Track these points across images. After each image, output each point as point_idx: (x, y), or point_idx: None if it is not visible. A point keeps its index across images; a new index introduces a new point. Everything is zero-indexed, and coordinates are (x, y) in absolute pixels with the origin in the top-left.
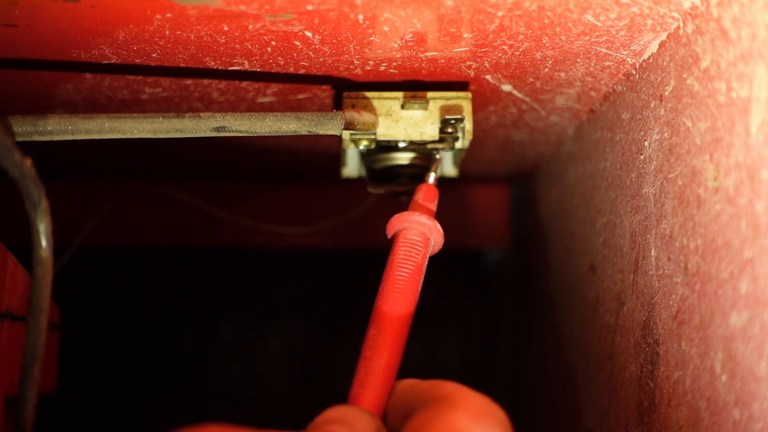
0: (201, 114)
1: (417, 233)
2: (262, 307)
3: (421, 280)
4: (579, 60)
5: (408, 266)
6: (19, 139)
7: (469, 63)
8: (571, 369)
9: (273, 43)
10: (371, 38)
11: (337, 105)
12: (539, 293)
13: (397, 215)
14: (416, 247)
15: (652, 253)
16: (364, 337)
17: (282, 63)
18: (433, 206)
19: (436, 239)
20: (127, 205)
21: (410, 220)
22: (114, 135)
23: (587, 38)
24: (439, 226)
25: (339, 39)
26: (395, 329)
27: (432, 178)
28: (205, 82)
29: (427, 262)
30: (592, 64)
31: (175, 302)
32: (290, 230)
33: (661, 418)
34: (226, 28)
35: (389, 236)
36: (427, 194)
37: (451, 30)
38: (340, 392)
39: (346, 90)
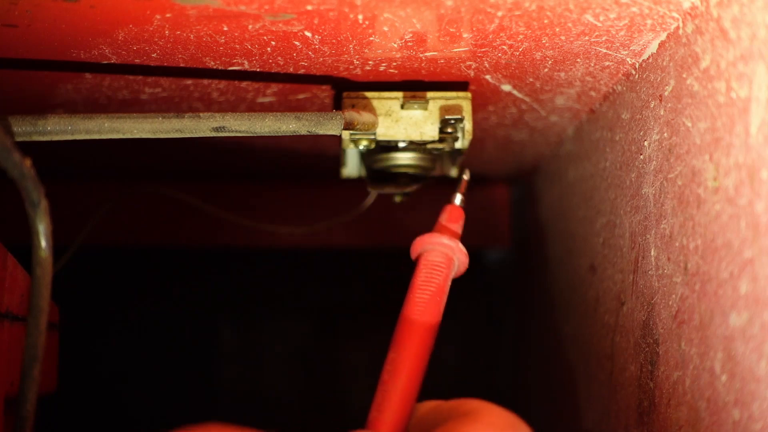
0: (201, 114)
1: (439, 254)
2: (262, 307)
3: (443, 303)
4: (579, 60)
5: (429, 289)
6: (19, 139)
7: (468, 63)
8: (571, 369)
9: (273, 43)
10: (371, 38)
11: (337, 105)
12: (539, 293)
13: (419, 237)
14: (438, 269)
15: (652, 253)
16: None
17: (282, 63)
18: (458, 227)
19: (460, 260)
20: (127, 205)
21: (432, 242)
22: (114, 135)
23: (587, 38)
24: (462, 247)
25: (339, 39)
26: (414, 353)
27: (458, 199)
28: (205, 82)
29: (449, 285)
30: (592, 64)
31: (175, 302)
32: (290, 230)
33: (660, 418)
34: (225, 28)
35: (413, 258)
36: (451, 215)
37: (451, 30)
38: (339, 392)
39: (345, 90)
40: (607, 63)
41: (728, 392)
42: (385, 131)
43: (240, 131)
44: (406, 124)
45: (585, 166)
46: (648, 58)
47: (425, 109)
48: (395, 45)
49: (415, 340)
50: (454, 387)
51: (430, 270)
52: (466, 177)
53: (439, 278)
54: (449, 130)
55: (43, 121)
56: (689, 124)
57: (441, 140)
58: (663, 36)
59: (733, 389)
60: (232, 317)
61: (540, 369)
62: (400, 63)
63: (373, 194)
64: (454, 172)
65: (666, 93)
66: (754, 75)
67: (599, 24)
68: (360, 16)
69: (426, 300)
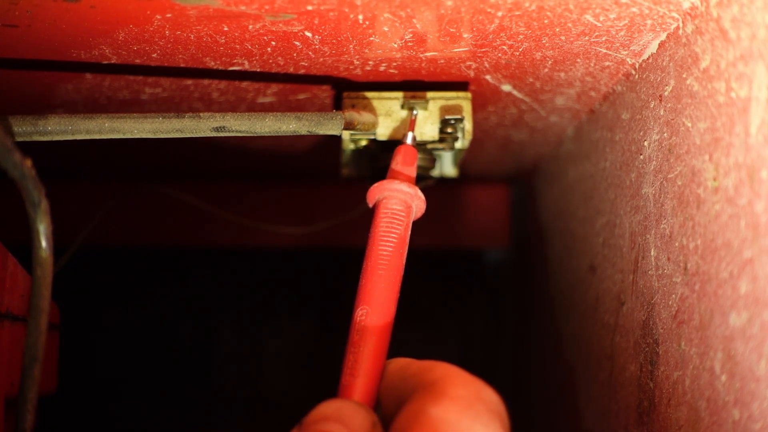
0: (201, 114)
1: (399, 202)
2: (262, 307)
3: (405, 252)
4: (579, 60)
5: (391, 239)
6: (19, 139)
7: (468, 63)
8: (571, 369)
9: (273, 43)
10: (371, 38)
11: (337, 105)
12: (539, 293)
13: (376, 184)
14: (398, 218)
15: (652, 253)
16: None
17: (282, 63)
18: (413, 170)
19: (417, 206)
20: (127, 205)
21: (391, 188)
22: (114, 135)
23: (587, 38)
24: (419, 192)
25: (339, 39)
26: (382, 308)
27: (410, 138)
28: (205, 82)
29: (410, 232)
30: (592, 64)
31: (175, 302)
32: (290, 230)
33: (660, 417)
34: (226, 29)
35: (371, 206)
36: (405, 158)
37: (451, 30)
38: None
39: (346, 90)
40: (607, 63)
41: (728, 392)
42: (385, 131)
43: (240, 131)
44: (406, 124)
45: (585, 166)
46: (648, 59)
47: (425, 109)
48: (395, 45)
49: (382, 294)
50: None
51: (390, 219)
52: (415, 113)
53: (400, 228)
54: (449, 130)
55: (43, 121)
56: (689, 124)
57: (441, 140)
58: (663, 36)
59: (733, 389)
60: (231, 317)
61: (540, 369)
62: (400, 63)
63: None
64: (454, 172)
65: (666, 93)
66: (754, 75)
67: (599, 24)
68: (360, 16)
69: (389, 253)
